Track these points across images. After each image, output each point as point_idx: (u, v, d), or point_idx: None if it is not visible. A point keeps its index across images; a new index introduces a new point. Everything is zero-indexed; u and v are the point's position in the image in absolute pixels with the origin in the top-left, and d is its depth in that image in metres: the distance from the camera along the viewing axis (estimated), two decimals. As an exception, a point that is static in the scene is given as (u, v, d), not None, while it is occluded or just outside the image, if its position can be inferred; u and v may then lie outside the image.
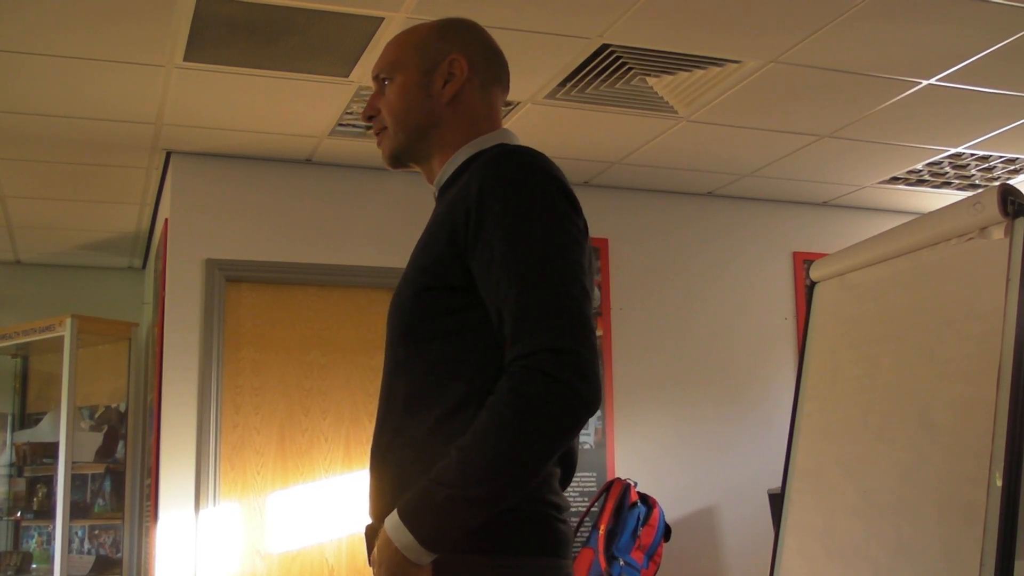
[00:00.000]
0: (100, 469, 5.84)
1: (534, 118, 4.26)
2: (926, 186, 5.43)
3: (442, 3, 3.30)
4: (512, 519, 1.54)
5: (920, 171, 5.17)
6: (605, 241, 5.20)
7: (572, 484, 1.95)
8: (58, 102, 4.11)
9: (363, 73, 3.88)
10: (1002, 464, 2.40)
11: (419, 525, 1.49)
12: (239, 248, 4.72)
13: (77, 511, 5.66)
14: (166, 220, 4.82)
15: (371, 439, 1.78)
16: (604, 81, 3.98)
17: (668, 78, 3.97)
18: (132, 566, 5.74)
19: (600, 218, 5.12)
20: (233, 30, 3.52)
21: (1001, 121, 4.47)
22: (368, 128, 4.46)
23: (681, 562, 4.97)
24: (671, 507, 4.95)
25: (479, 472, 1.46)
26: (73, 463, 5.56)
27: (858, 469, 2.93)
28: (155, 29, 3.50)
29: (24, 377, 6.42)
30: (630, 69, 3.88)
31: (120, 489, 5.82)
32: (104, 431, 5.96)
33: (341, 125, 4.43)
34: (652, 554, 4.66)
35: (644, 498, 4.75)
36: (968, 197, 2.77)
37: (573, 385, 1.46)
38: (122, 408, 5.97)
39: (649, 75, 3.94)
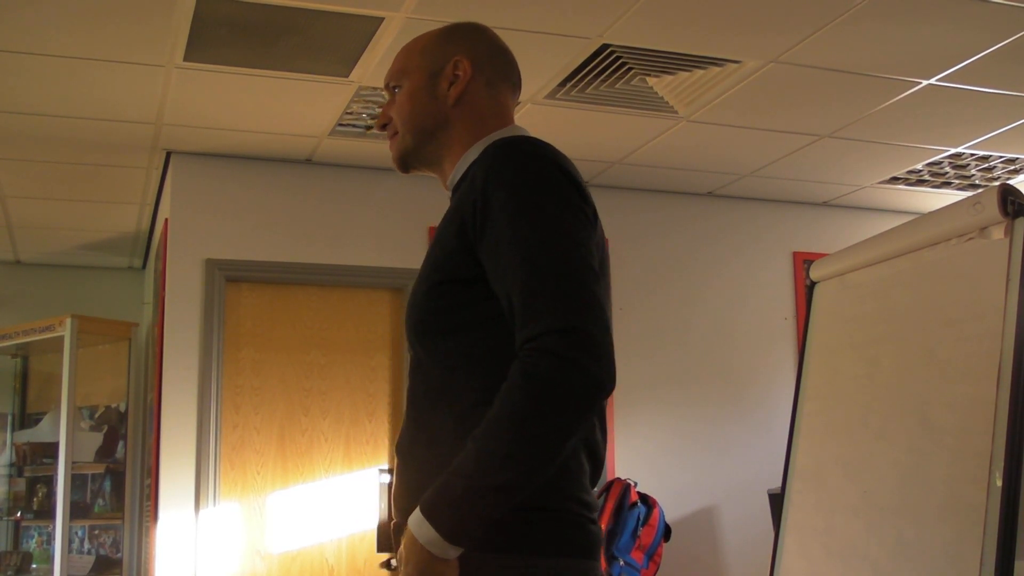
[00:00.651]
0: (100, 469, 5.84)
1: (534, 118, 4.25)
2: (926, 186, 5.43)
3: (442, 3, 3.30)
4: (544, 518, 1.53)
5: (920, 171, 5.17)
6: (605, 241, 5.20)
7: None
8: (58, 102, 4.11)
9: (363, 73, 3.88)
10: (1002, 464, 2.39)
11: (441, 519, 1.47)
12: (239, 248, 4.72)
13: (77, 511, 5.66)
14: (166, 220, 4.82)
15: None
16: (604, 81, 3.98)
17: (668, 78, 3.97)
18: (132, 566, 5.74)
19: (600, 218, 5.11)
20: (233, 30, 3.52)
21: (1001, 121, 4.47)
22: (369, 128, 4.46)
23: (681, 562, 4.98)
24: (671, 507, 4.95)
25: (496, 461, 1.45)
26: (73, 463, 5.56)
27: (858, 469, 2.93)
28: (155, 29, 3.50)
29: (24, 377, 6.42)
30: (630, 69, 3.88)
31: (120, 489, 5.82)
32: (104, 431, 5.96)
33: (341, 125, 4.43)
34: (652, 554, 4.66)
35: (644, 498, 4.75)
36: (968, 197, 2.77)
37: (583, 364, 1.45)
38: (122, 408, 5.97)
39: (649, 75, 3.94)
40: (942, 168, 5.13)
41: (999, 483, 2.39)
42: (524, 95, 4.07)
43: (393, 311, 4.94)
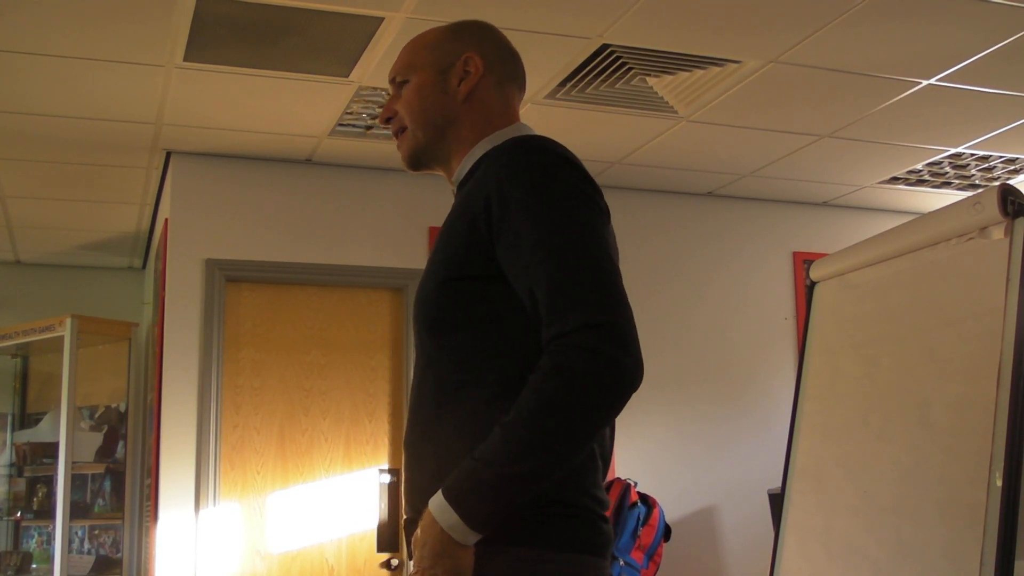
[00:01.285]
0: (100, 469, 5.84)
1: (534, 118, 4.25)
2: (926, 186, 5.43)
3: (442, 3, 3.30)
4: (558, 513, 1.54)
5: (920, 171, 5.17)
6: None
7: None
8: (58, 102, 4.11)
9: (363, 73, 3.88)
10: (1002, 464, 2.39)
11: (465, 505, 1.46)
12: (239, 248, 4.72)
13: (77, 511, 5.66)
14: (166, 220, 4.82)
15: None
16: (604, 81, 3.98)
17: (668, 78, 3.97)
18: (132, 566, 5.74)
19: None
20: (233, 30, 3.52)
21: (1001, 121, 4.47)
22: (369, 128, 4.46)
23: (681, 562, 4.97)
24: (671, 507, 4.95)
25: (524, 449, 1.45)
26: (73, 463, 5.56)
27: (858, 469, 2.93)
28: (155, 29, 3.50)
29: (24, 377, 6.42)
30: (630, 69, 3.88)
31: (120, 489, 5.82)
32: (104, 431, 5.96)
33: (341, 125, 4.43)
34: (652, 554, 4.66)
35: (644, 498, 4.75)
36: (968, 197, 2.77)
37: (617, 357, 1.46)
38: (122, 408, 5.97)
39: (649, 75, 3.94)
40: (942, 168, 5.13)
41: (999, 483, 2.39)
42: (524, 95, 4.06)
43: (393, 311, 4.94)
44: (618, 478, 4.81)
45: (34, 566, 5.91)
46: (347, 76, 3.92)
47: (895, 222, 3.18)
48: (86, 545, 5.87)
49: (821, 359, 3.27)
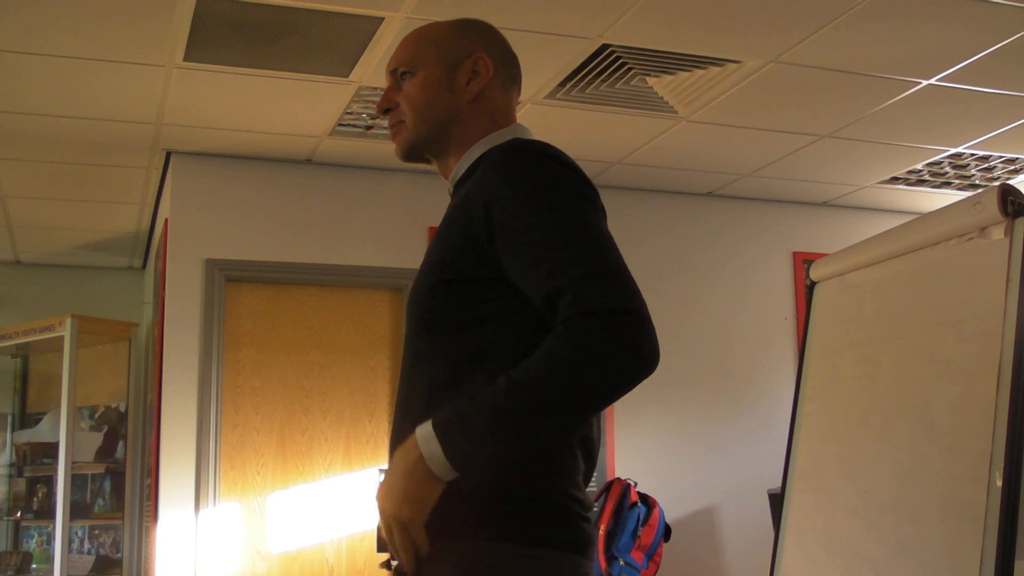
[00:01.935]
0: (100, 469, 5.84)
1: (534, 118, 4.25)
2: (926, 186, 5.43)
3: (442, 3, 3.30)
4: (541, 510, 1.54)
5: (920, 171, 5.17)
6: None
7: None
8: (58, 102, 4.11)
9: (363, 73, 3.88)
10: (1002, 464, 2.39)
11: (450, 440, 1.45)
12: (239, 248, 4.72)
13: (77, 511, 5.66)
14: (166, 220, 4.82)
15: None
16: (604, 81, 3.98)
17: (668, 78, 3.97)
18: (132, 566, 5.74)
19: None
20: (233, 30, 3.52)
21: (1001, 121, 4.47)
22: (369, 128, 4.45)
23: (681, 562, 4.97)
24: (671, 507, 4.95)
25: (526, 405, 1.44)
26: (73, 463, 5.56)
27: (858, 469, 2.93)
28: (155, 29, 3.50)
29: (24, 377, 6.42)
30: (630, 69, 3.88)
31: (120, 489, 5.82)
32: (104, 431, 5.96)
33: (341, 125, 4.43)
34: (652, 554, 4.66)
35: (644, 498, 4.75)
36: (968, 197, 2.77)
37: (640, 344, 1.48)
38: (122, 408, 5.97)
39: (649, 75, 3.94)
40: (942, 168, 5.13)
41: (999, 483, 2.39)
42: (524, 95, 4.07)
43: (393, 311, 4.94)
44: (618, 478, 4.81)
45: (34, 566, 5.91)
46: (347, 76, 3.92)
47: (895, 222, 3.18)
48: (86, 545, 5.87)
49: (821, 359, 3.27)
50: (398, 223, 4.94)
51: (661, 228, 5.43)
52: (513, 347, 1.56)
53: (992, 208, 2.57)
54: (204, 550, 4.43)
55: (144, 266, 6.74)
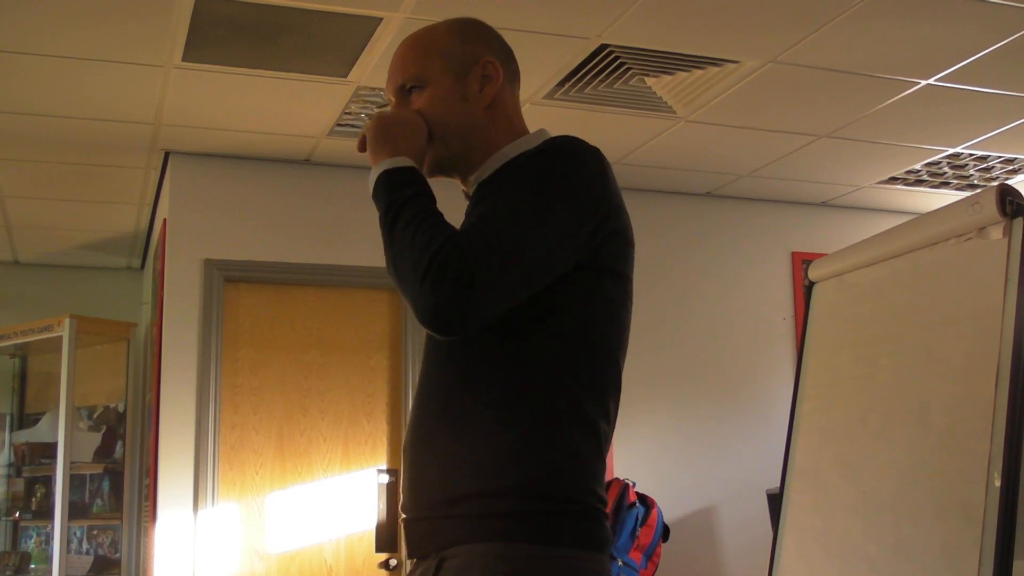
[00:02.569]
0: (99, 469, 5.84)
1: (532, 118, 4.21)
2: (924, 186, 5.43)
3: (441, 3, 3.30)
4: (568, 511, 1.55)
5: (919, 171, 5.18)
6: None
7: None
8: (57, 102, 4.11)
9: (362, 73, 3.88)
10: (1000, 464, 2.40)
11: (377, 189, 1.72)
12: (237, 248, 4.72)
13: (76, 511, 5.65)
14: (164, 220, 4.82)
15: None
16: (603, 81, 3.98)
17: (667, 78, 3.97)
18: (131, 566, 5.73)
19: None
20: (232, 30, 3.52)
21: (999, 121, 4.47)
22: (367, 128, 4.45)
23: (680, 562, 4.97)
24: (669, 507, 4.95)
25: (400, 245, 1.60)
26: (72, 463, 5.56)
27: (857, 469, 2.93)
28: (153, 29, 3.50)
29: (23, 377, 6.41)
30: (628, 69, 3.88)
31: (119, 489, 5.81)
32: (103, 431, 5.95)
33: (340, 125, 4.43)
34: (650, 554, 4.66)
35: (642, 498, 4.75)
36: (966, 197, 2.77)
37: (446, 302, 1.50)
38: (121, 408, 5.96)
39: (648, 75, 3.94)
40: (940, 168, 5.13)
41: (997, 483, 2.39)
42: (522, 95, 4.06)
43: (392, 311, 4.94)
44: (616, 478, 4.81)
45: (32, 566, 5.91)
46: (346, 76, 3.91)
47: (894, 222, 3.18)
48: (84, 545, 5.86)
49: (820, 359, 3.27)
50: (397, 223, 4.93)
51: (660, 228, 5.43)
52: (543, 341, 1.59)
53: (990, 208, 2.58)
54: (203, 550, 4.43)
55: (143, 266, 6.73)
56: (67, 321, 5.62)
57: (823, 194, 5.58)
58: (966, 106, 4.28)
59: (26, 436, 6.08)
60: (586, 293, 1.64)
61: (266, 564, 4.58)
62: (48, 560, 5.61)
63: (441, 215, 1.60)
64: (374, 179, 1.70)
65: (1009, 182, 5.25)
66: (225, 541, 4.51)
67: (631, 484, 4.75)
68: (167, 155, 4.76)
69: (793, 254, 5.65)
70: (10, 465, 6.08)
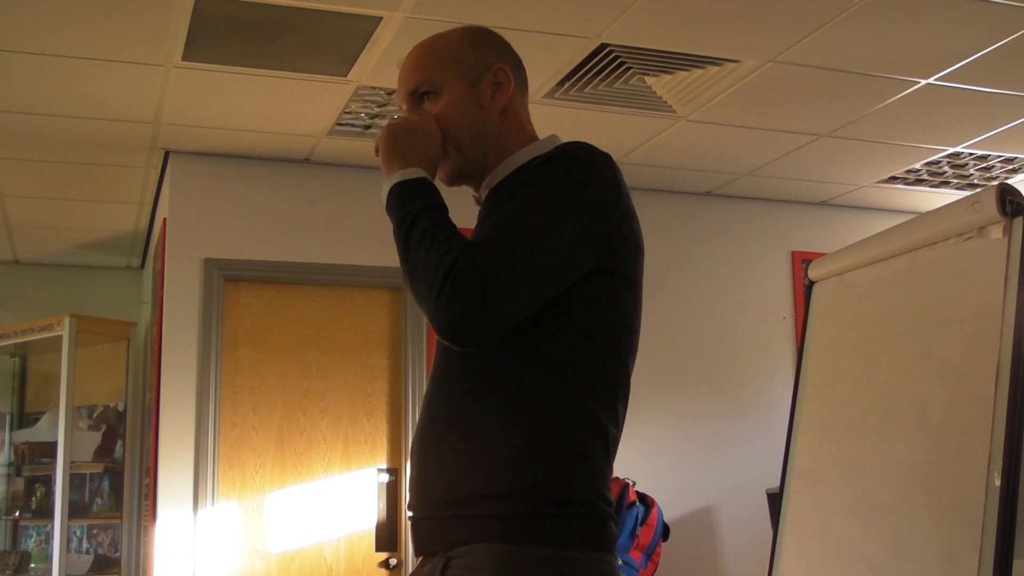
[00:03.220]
0: (99, 468, 5.84)
1: (533, 118, 4.24)
2: (924, 185, 5.43)
3: (441, 3, 3.30)
4: (577, 512, 1.57)
5: (918, 170, 5.18)
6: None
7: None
8: (56, 102, 4.11)
9: (361, 72, 3.88)
10: (1000, 463, 2.40)
11: (390, 201, 1.67)
12: (237, 247, 4.72)
13: (75, 510, 5.65)
14: (164, 219, 4.82)
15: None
16: (602, 81, 3.98)
17: (667, 77, 3.97)
18: (131, 565, 5.74)
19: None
20: (231, 29, 3.52)
21: (999, 121, 4.47)
22: (367, 128, 4.45)
23: (679, 562, 4.98)
24: (669, 506, 4.95)
25: (415, 259, 1.57)
26: (71, 462, 5.56)
27: (857, 468, 2.93)
28: (153, 28, 3.50)
29: (23, 376, 6.41)
30: (628, 68, 3.88)
31: (119, 488, 5.81)
32: (102, 430, 5.95)
33: (340, 125, 4.43)
34: (650, 553, 4.66)
35: (642, 497, 4.75)
36: (966, 196, 2.77)
37: (464, 313, 1.50)
38: (120, 407, 5.96)
39: (647, 74, 3.94)
40: (940, 167, 5.13)
41: (997, 482, 2.39)
42: (523, 94, 4.07)
43: (392, 311, 4.94)
44: (616, 477, 4.81)
45: (32, 565, 5.91)
46: (345, 75, 3.91)
47: (893, 221, 3.18)
48: (84, 544, 5.86)
49: (819, 358, 3.27)
50: (397, 222, 4.94)
51: (659, 227, 5.42)
52: (554, 346, 1.60)
53: (990, 207, 2.58)
54: (202, 549, 4.43)
55: (143, 265, 6.73)
56: (67, 320, 5.62)
57: (823, 194, 5.58)
58: (966, 106, 4.28)
59: (26, 435, 6.08)
60: (597, 297, 1.64)
61: (266, 563, 4.58)
62: (48, 559, 5.61)
63: (454, 226, 1.60)
64: (386, 192, 1.67)
65: (1009, 181, 5.25)
66: (225, 540, 4.51)
67: (631, 483, 4.75)
68: (167, 154, 4.76)
69: (793, 253, 5.65)
70: (10, 464, 6.08)
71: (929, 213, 3.01)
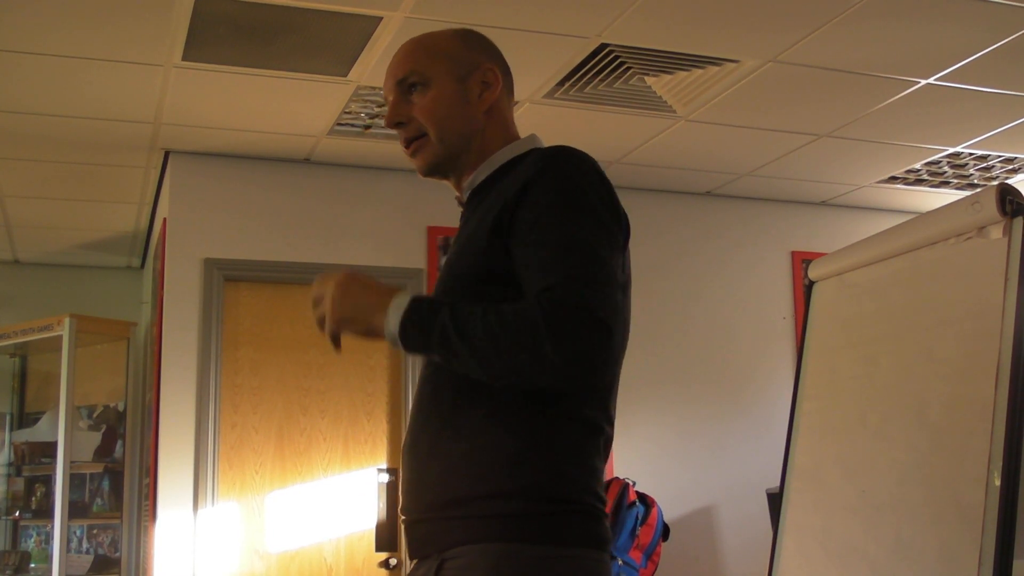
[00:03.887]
0: (99, 468, 5.84)
1: (532, 118, 4.25)
2: (924, 185, 5.43)
3: (441, 3, 3.30)
4: (571, 511, 1.57)
5: (919, 170, 5.18)
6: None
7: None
8: (57, 102, 4.11)
9: (361, 72, 3.88)
10: (1000, 464, 2.40)
11: (408, 330, 1.53)
12: (237, 247, 4.72)
13: (76, 510, 5.65)
14: (164, 219, 4.82)
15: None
16: (603, 81, 3.98)
17: (667, 77, 3.97)
18: (131, 565, 5.74)
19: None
20: (231, 29, 3.52)
21: (999, 120, 4.47)
22: (367, 128, 4.45)
23: (679, 562, 4.98)
24: (669, 506, 4.95)
25: (481, 342, 1.48)
26: (72, 462, 5.56)
27: (857, 468, 2.93)
28: (153, 28, 3.50)
29: (23, 376, 6.41)
30: (628, 68, 3.88)
31: (119, 488, 5.81)
32: (102, 430, 5.95)
33: (339, 124, 4.43)
34: (650, 553, 4.66)
35: (642, 497, 4.75)
36: (966, 196, 2.77)
37: (592, 350, 1.47)
38: (120, 407, 5.96)
39: (648, 74, 3.94)
40: (940, 167, 5.13)
41: (997, 482, 2.39)
42: (522, 95, 4.07)
43: (392, 310, 4.94)
44: (616, 477, 4.81)
45: (32, 565, 5.91)
46: (345, 75, 3.91)
47: (893, 221, 3.18)
48: (84, 544, 5.86)
49: (819, 358, 3.27)
50: (397, 223, 4.94)
51: (659, 227, 5.43)
52: None
53: (990, 207, 2.58)
54: (202, 549, 4.43)
55: (143, 265, 6.73)
56: (67, 320, 5.62)
57: (823, 193, 5.58)
58: (966, 106, 4.28)
59: (26, 435, 6.08)
60: None
61: (266, 563, 4.58)
62: (48, 559, 5.61)
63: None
64: (397, 331, 1.55)
65: (1009, 181, 5.25)
66: (225, 540, 4.51)
67: (631, 483, 4.75)
68: (167, 154, 4.76)
69: (793, 253, 5.65)
70: (10, 464, 6.08)
71: (929, 213, 3.01)
